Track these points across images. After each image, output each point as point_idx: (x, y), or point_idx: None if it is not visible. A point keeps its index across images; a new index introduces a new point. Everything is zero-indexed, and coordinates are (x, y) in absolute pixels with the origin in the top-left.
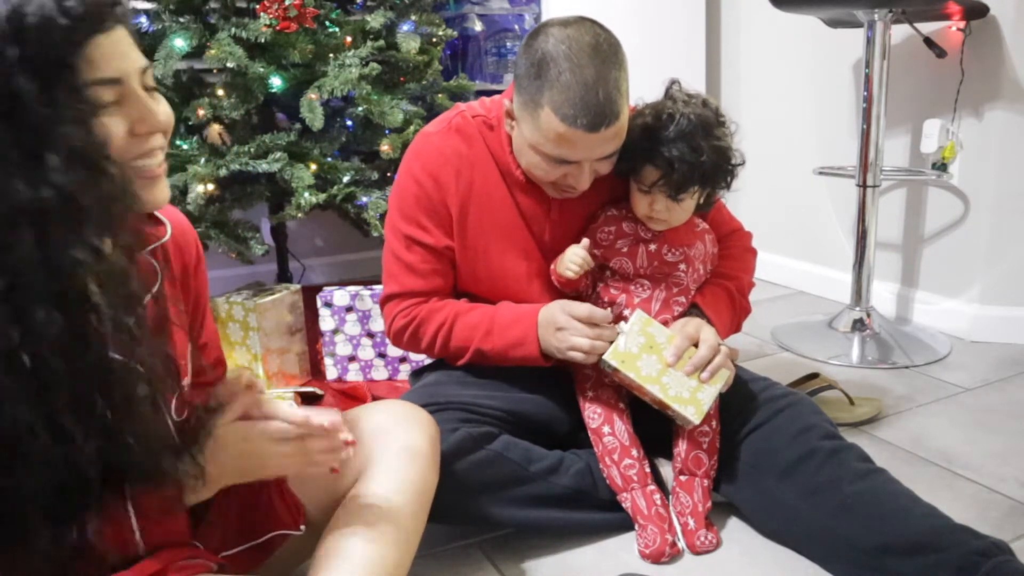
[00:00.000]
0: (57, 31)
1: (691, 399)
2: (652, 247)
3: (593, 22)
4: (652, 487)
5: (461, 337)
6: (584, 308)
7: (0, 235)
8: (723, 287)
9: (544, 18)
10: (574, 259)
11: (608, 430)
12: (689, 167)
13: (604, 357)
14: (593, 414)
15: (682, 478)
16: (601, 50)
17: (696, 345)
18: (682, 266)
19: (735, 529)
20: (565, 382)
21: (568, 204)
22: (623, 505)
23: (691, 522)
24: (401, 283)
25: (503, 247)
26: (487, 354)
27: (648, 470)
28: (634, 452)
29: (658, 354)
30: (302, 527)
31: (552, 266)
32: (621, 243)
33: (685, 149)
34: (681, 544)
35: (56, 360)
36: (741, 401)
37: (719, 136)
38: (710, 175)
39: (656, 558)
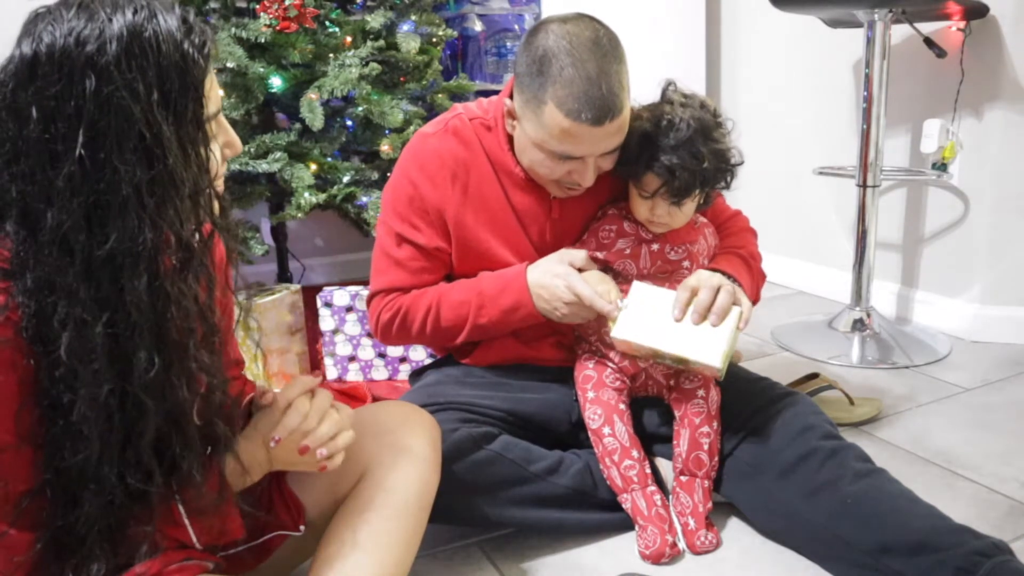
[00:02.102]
0: (191, 68)
1: (708, 346)
2: (655, 247)
3: (591, 18)
4: (652, 488)
5: (451, 316)
6: (587, 292)
7: (118, 275)
8: (734, 252)
9: (544, 18)
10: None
11: (608, 431)
12: (690, 174)
13: (613, 333)
14: (593, 415)
15: (683, 479)
16: (602, 44)
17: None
18: (686, 263)
19: (735, 529)
20: (565, 382)
21: (569, 203)
22: (623, 506)
23: (691, 522)
24: (389, 279)
25: (498, 249)
26: (486, 327)
27: (648, 471)
28: (634, 453)
29: (664, 315)
30: (302, 528)
31: None
32: (623, 243)
33: (686, 156)
34: (681, 544)
35: (148, 400)
36: (741, 401)
37: (717, 139)
38: (711, 178)
39: (656, 559)
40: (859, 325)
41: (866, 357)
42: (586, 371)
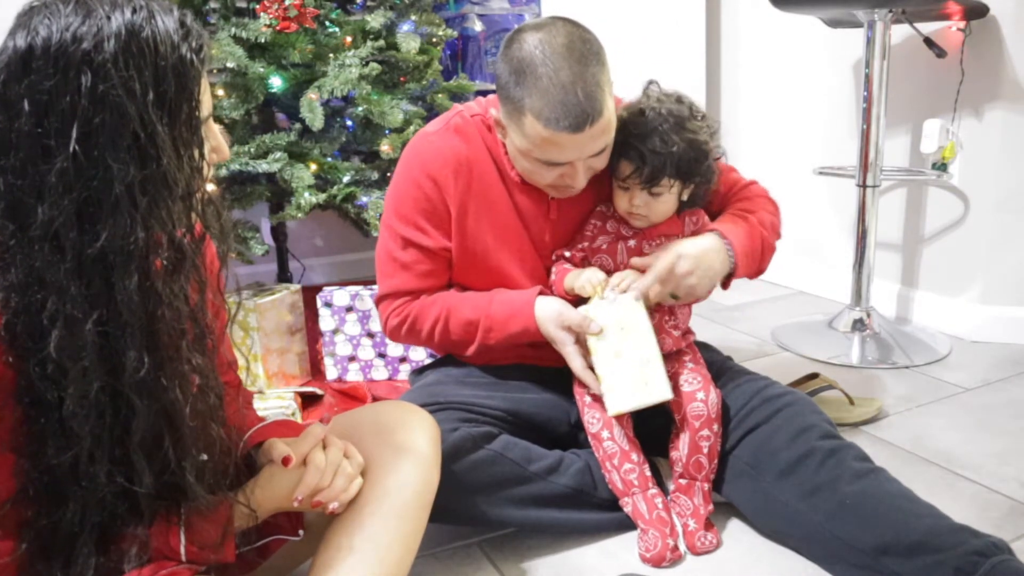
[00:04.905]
0: (187, 70)
1: (619, 394)
2: (632, 243)
3: (566, 21)
4: (653, 491)
5: (459, 333)
6: (576, 319)
7: (109, 274)
8: (738, 214)
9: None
10: (593, 281)
11: (607, 435)
12: (660, 158)
13: (579, 308)
14: (592, 419)
15: (682, 482)
16: (575, 48)
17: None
18: None
19: (735, 529)
20: (565, 382)
21: (567, 204)
22: (624, 510)
23: (692, 523)
24: (394, 283)
25: (500, 247)
26: (493, 347)
27: (648, 473)
28: (634, 456)
29: (624, 341)
30: (301, 532)
31: (556, 272)
32: (602, 239)
33: (656, 141)
34: (682, 546)
35: (139, 400)
36: (741, 401)
37: (692, 129)
38: (684, 167)
39: (657, 562)
40: (859, 325)
41: (866, 357)
42: None
